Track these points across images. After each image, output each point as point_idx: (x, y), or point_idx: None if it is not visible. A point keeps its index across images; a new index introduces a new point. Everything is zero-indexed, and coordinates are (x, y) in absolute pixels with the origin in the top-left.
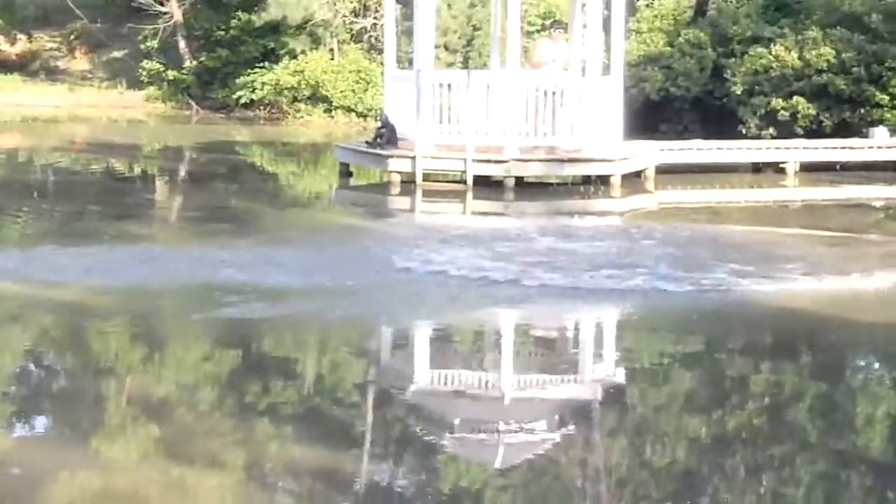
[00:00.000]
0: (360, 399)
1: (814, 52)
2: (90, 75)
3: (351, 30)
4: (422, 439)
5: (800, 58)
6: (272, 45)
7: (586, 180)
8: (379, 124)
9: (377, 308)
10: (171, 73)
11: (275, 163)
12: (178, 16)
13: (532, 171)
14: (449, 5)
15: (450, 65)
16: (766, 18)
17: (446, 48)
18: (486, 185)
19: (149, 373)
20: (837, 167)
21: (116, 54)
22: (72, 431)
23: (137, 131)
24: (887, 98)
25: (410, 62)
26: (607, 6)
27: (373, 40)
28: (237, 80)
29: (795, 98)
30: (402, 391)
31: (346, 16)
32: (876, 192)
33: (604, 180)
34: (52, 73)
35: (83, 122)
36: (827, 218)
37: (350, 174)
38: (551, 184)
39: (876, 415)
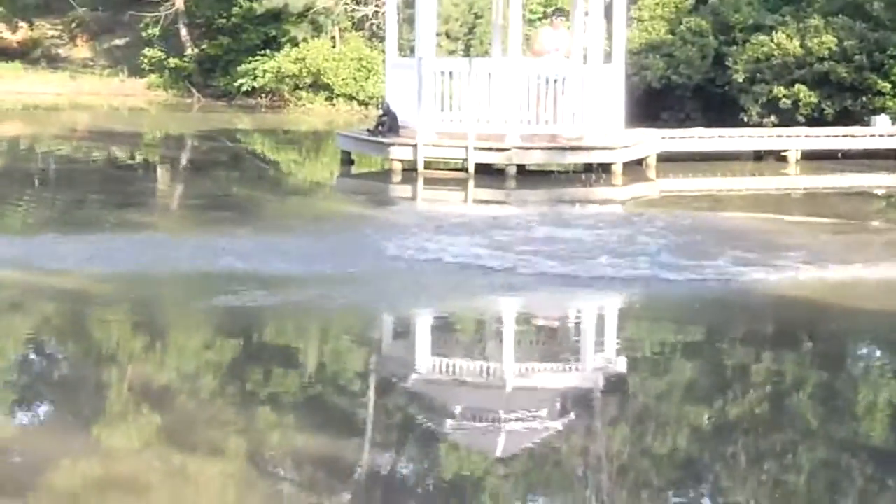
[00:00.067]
0: (357, 387)
1: (815, 40)
2: (91, 63)
3: (352, 17)
4: (423, 427)
5: (801, 46)
6: (273, 32)
7: (588, 168)
8: (380, 112)
9: (378, 296)
10: (172, 61)
11: (276, 150)
12: (179, 3)
13: (533, 159)
14: None
15: (451, 53)
16: (768, 6)
17: (448, 36)
18: (488, 173)
19: (150, 360)
20: (839, 155)
21: (118, 42)
22: (74, 418)
23: (139, 119)
24: (889, 86)
25: (412, 50)
26: None
27: (374, 28)
28: (238, 68)
29: (797, 86)
30: (400, 379)
31: (347, 3)
32: (877, 181)
33: (605, 168)
34: (54, 61)
35: (84, 110)
36: (829, 206)
37: (351, 162)
38: (553, 172)
39: (878, 403)
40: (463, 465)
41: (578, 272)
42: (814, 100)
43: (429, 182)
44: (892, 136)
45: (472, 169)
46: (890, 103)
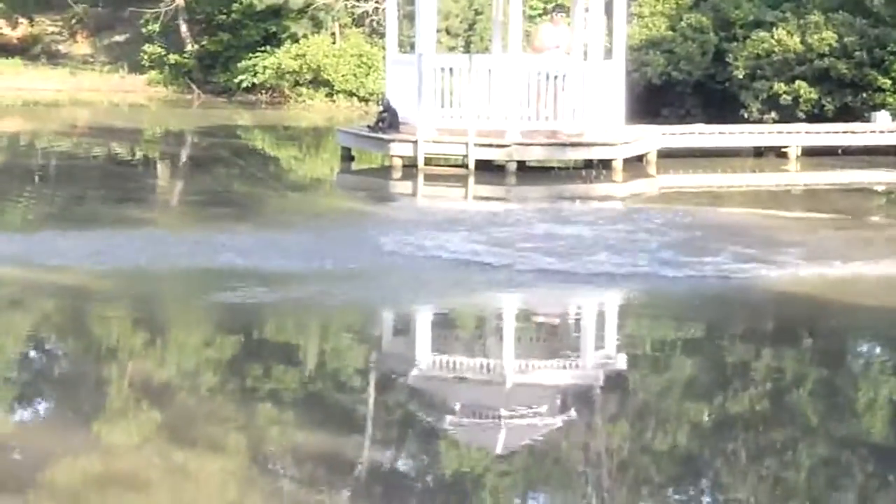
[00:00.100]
0: (354, 383)
1: (816, 37)
2: (92, 59)
3: (352, 14)
4: (422, 423)
5: (802, 42)
6: (274, 28)
7: (588, 164)
8: (381, 108)
9: (377, 292)
10: (172, 57)
11: (276, 147)
12: None
13: (534, 156)
14: None
15: (451, 49)
16: (769, 2)
17: (448, 32)
18: (488, 170)
19: (150, 357)
20: (839, 151)
21: (118, 38)
22: (74, 415)
23: (139, 115)
24: (889, 82)
25: (412, 46)
26: None
27: (374, 24)
28: (239, 64)
29: (797, 82)
30: (399, 376)
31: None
32: (878, 177)
33: (605, 164)
34: (54, 57)
35: (84, 107)
36: (829, 202)
37: (352, 158)
38: (553, 168)
39: (879, 399)
40: (463, 461)
41: (578, 269)
42: (814, 96)
43: (429, 178)
44: (892, 132)
45: (472, 165)
46: (890, 99)
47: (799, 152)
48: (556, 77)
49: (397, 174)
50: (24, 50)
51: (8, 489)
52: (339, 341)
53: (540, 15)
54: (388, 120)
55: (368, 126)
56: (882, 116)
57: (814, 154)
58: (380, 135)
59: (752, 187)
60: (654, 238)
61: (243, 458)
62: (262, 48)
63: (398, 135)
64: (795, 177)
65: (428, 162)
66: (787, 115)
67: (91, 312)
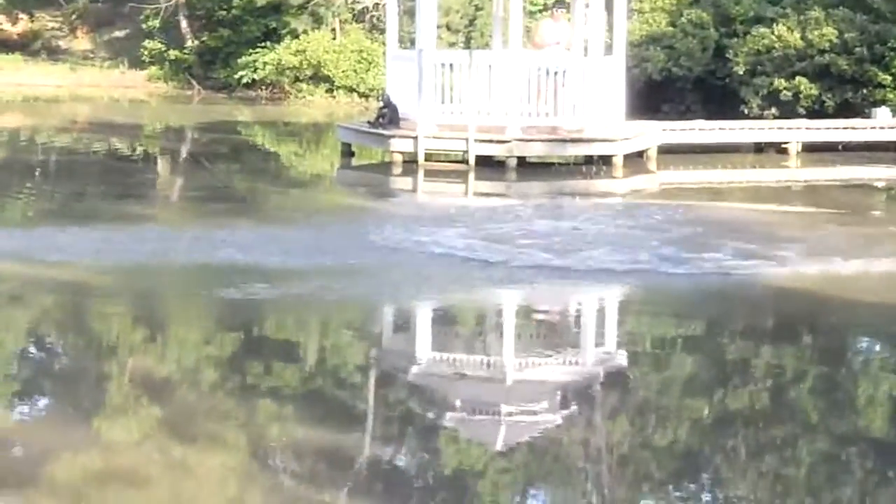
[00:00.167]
0: (352, 379)
1: (816, 33)
2: (92, 55)
3: (353, 9)
4: (422, 419)
5: (802, 38)
6: (274, 24)
7: (588, 160)
8: (381, 104)
9: (377, 289)
10: (172, 53)
11: (276, 143)
12: None
13: (534, 152)
14: None
15: (452, 45)
16: None
17: (448, 28)
18: (488, 166)
19: (150, 352)
20: (840, 147)
21: (118, 34)
22: (75, 410)
23: (139, 111)
24: (890, 78)
25: (412, 42)
26: None
27: (374, 20)
28: (239, 60)
29: (798, 78)
30: (397, 371)
31: None
32: (878, 173)
33: (606, 160)
34: (54, 53)
35: (85, 102)
36: (829, 198)
37: (352, 154)
38: (553, 164)
39: (879, 396)
40: (462, 457)
41: (578, 265)
42: (814, 92)
43: (429, 174)
44: (892, 128)
45: (472, 161)
46: (891, 95)
47: (799, 148)
48: (556, 73)
49: (397, 170)
50: (24, 45)
51: (8, 485)
52: (338, 337)
53: (540, 11)
54: (389, 116)
55: (368, 122)
56: (882, 112)
57: (814, 150)
58: (380, 130)
59: (752, 183)
60: (654, 234)
61: (244, 454)
62: (263, 44)
63: (398, 130)
64: (796, 173)
65: (428, 158)
66: (788, 111)
67: (91, 308)
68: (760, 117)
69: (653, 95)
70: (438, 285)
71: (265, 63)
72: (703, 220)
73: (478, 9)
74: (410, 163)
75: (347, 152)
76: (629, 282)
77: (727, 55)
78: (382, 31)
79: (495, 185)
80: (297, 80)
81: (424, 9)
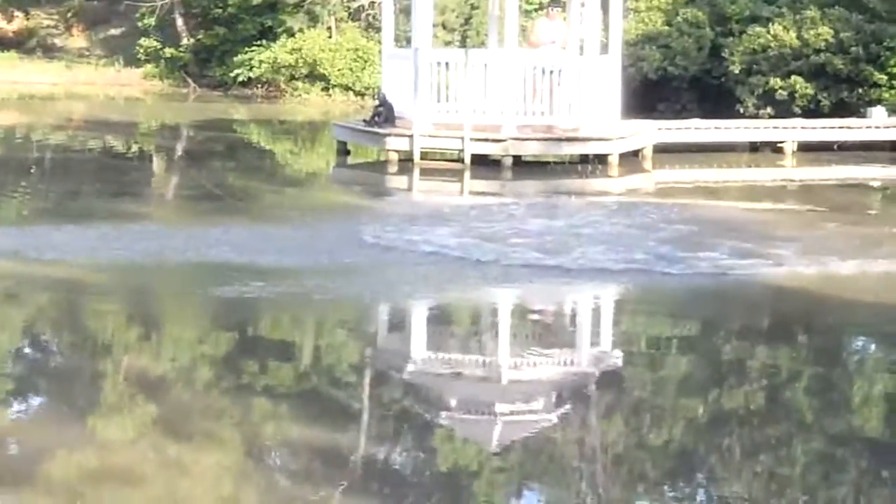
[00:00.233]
0: (346, 378)
1: (812, 32)
2: (87, 53)
3: (349, 8)
4: (417, 417)
5: (798, 37)
6: (269, 22)
7: (584, 159)
8: (377, 103)
9: (372, 288)
10: (168, 51)
11: (272, 141)
12: None
13: (530, 151)
14: None
15: (448, 43)
16: None
17: (444, 27)
18: (484, 164)
19: (144, 350)
20: (835, 147)
21: (114, 32)
22: (69, 408)
23: (135, 109)
24: (885, 78)
25: (408, 41)
26: None
27: (370, 18)
28: (234, 58)
29: (793, 77)
30: (391, 370)
31: None
32: (874, 173)
33: (601, 159)
34: (50, 51)
35: (80, 100)
36: (825, 198)
37: (348, 152)
38: (549, 163)
39: (874, 394)
40: (457, 456)
41: (574, 264)
42: (810, 91)
43: (425, 173)
44: (888, 127)
45: (468, 160)
46: (886, 95)
47: (795, 147)
48: (552, 72)
49: (393, 168)
50: (19, 43)
51: (2, 483)
52: (331, 336)
53: (536, 10)
54: (384, 114)
55: (364, 120)
56: (878, 112)
57: (809, 149)
58: (376, 129)
59: (747, 182)
60: (649, 233)
61: (238, 453)
62: (258, 42)
63: (394, 129)
64: (791, 172)
65: (424, 156)
66: (783, 110)
67: (86, 306)
68: (756, 116)
69: (648, 94)
70: (432, 284)
71: (261, 61)
72: (699, 220)
73: (474, 7)
74: (406, 161)
75: (343, 151)
76: (624, 281)
77: (723, 54)
78: (378, 30)
79: (491, 183)
80: (292, 78)
81: (420, 7)
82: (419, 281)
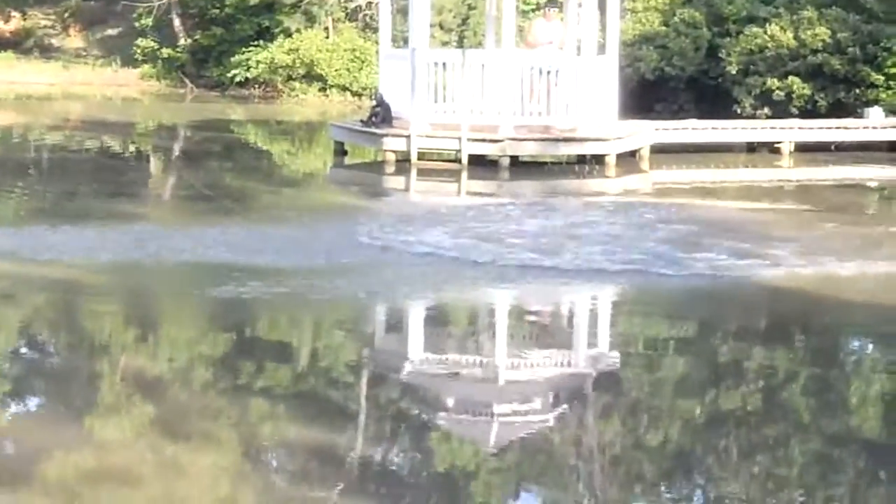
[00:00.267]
0: (342, 378)
1: (809, 32)
2: (84, 53)
3: (346, 8)
4: (412, 419)
5: (795, 38)
6: (267, 23)
7: (581, 160)
8: (374, 103)
9: (368, 288)
10: (165, 51)
11: (269, 141)
12: None
13: (527, 151)
14: None
15: (445, 44)
16: None
17: (441, 27)
18: (481, 165)
19: (140, 351)
20: (832, 147)
21: (111, 32)
22: (66, 408)
23: (132, 109)
24: (882, 78)
25: (405, 41)
26: None
27: (367, 19)
28: (232, 59)
29: (790, 78)
30: (385, 371)
31: None
32: (870, 173)
33: (598, 160)
34: (47, 51)
35: (77, 100)
36: (822, 198)
37: (345, 153)
38: (546, 163)
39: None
40: (455, 456)
41: (571, 264)
42: (807, 92)
43: (422, 173)
44: (885, 128)
45: (465, 160)
46: (883, 95)
47: (792, 148)
48: (549, 72)
49: (390, 169)
50: (16, 43)
51: (2, 482)
52: (330, 337)
53: (533, 10)
54: (382, 114)
55: (361, 121)
56: (875, 112)
57: (807, 150)
58: (373, 129)
59: (745, 183)
60: (646, 233)
61: (236, 453)
62: (255, 43)
63: (391, 129)
64: (788, 172)
65: (421, 156)
66: (780, 110)
67: (83, 307)
68: (753, 117)
69: (646, 95)
70: (429, 285)
71: (258, 61)
72: (696, 220)
73: (471, 8)
74: (403, 162)
75: (340, 151)
76: (621, 282)
77: (720, 55)
78: (375, 30)
79: (488, 184)
80: (289, 78)
81: (417, 8)
82: (416, 281)
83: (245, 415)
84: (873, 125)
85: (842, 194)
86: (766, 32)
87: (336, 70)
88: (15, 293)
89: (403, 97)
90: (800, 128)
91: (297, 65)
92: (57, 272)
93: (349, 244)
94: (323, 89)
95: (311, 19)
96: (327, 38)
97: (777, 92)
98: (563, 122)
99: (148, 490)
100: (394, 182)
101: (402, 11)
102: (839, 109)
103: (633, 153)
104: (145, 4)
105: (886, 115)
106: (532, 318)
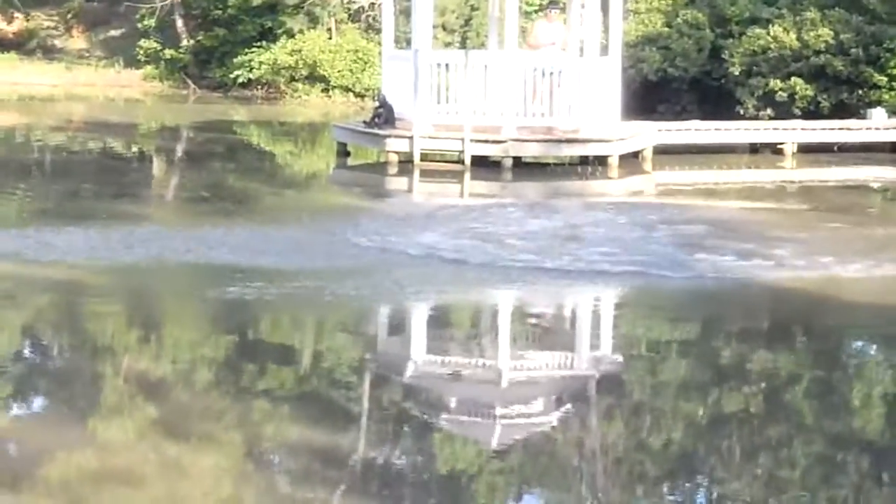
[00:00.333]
0: (342, 380)
1: (812, 33)
2: (87, 54)
3: (349, 9)
4: (414, 420)
5: (798, 39)
6: (269, 24)
7: (584, 161)
8: (377, 104)
9: (371, 290)
10: (168, 52)
11: (272, 142)
12: None
13: (530, 152)
14: None
15: (448, 45)
16: None
17: (444, 28)
18: (484, 166)
19: (143, 352)
20: (835, 148)
21: (114, 33)
22: (70, 410)
23: (134, 110)
24: (885, 79)
25: (408, 42)
26: None
27: (370, 20)
28: (234, 60)
29: (793, 79)
30: (387, 372)
31: None
32: (873, 174)
33: (601, 161)
34: (50, 52)
35: (80, 101)
36: (825, 199)
37: (348, 154)
38: (549, 164)
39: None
40: (457, 458)
41: (572, 266)
42: (810, 93)
43: (425, 174)
44: (888, 129)
45: (468, 161)
46: (886, 96)
47: (795, 149)
48: (552, 73)
49: (393, 170)
50: (19, 44)
51: (4, 483)
52: (332, 338)
53: (536, 11)
54: (384, 115)
55: (364, 122)
56: (878, 113)
57: (809, 151)
58: (376, 130)
59: (747, 184)
60: (649, 235)
61: (238, 455)
62: (258, 43)
63: (394, 130)
64: (791, 174)
65: (424, 158)
66: (783, 111)
67: (86, 308)
68: (756, 118)
69: (648, 96)
70: (431, 286)
71: (261, 62)
72: (699, 221)
73: (474, 9)
74: (406, 163)
75: (343, 152)
76: (624, 283)
77: (723, 56)
78: (378, 31)
79: (491, 185)
80: (292, 79)
81: (420, 9)
82: (418, 283)
83: (247, 416)
84: (876, 126)
85: (845, 195)
86: (769, 33)
87: (339, 71)
88: (18, 294)
89: (406, 98)
90: (802, 129)
91: (300, 66)
92: (60, 273)
93: (351, 246)
94: (326, 90)
95: (313, 20)
96: (330, 39)
97: (780, 93)
98: (566, 124)
99: (151, 491)
100: (397, 183)
101: (404, 12)
102: (842, 110)
103: (635, 154)
104: (148, 5)
105: (889, 116)
106: (534, 319)
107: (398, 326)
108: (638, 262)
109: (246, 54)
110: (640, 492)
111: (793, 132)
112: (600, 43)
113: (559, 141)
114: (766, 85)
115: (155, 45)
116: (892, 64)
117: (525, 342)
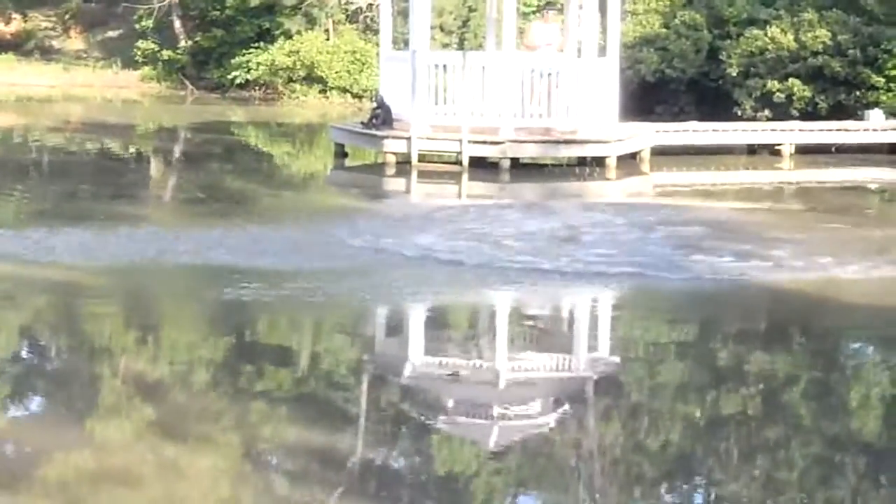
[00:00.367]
0: (339, 381)
1: (809, 34)
2: (85, 55)
3: (346, 10)
4: (411, 420)
5: (795, 40)
6: (267, 25)
7: (581, 162)
8: (374, 105)
9: (368, 290)
10: (166, 53)
11: (270, 143)
12: None
13: (527, 153)
14: None
15: (445, 46)
16: (762, 0)
17: (442, 29)
18: (482, 167)
19: (140, 353)
20: (833, 149)
21: (111, 34)
22: (67, 410)
23: (132, 111)
24: (883, 80)
25: (406, 43)
26: None
27: (368, 21)
28: (232, 61)
29: (791, 80)
30: (383, 373)
31: None
32: (871, 175)
33: (599, 162)
34: (47, 53)
35: (78, 102)
36: (823, 200)
37: (345, 155)
38: (546, 165)
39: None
40: (455, 459)
41: (570, 267)
42: (807, 94)
43: (422, 175)
44: (885, 130)
45: (465, 162)
46: (883, 97)
47: (792, 150)
48: (549, 74)
49: (391, 171)
50: (17, 45)
51: (2, 484)
52: (329, 340)
53: (534, 12)
54: (382, 116)
55: (362, 123)
56: (875, 114)
57: (807, 152)
58: (373, 131)
59: (745, 185)
60: (647, 236)
61: (236, 456)
62: (256, 44)
63: (392, 131)
64: (789, 175)
65: (421, 158)
66: (781, 112)
67: (83, 309)
68: (754, 119)
69: (646, 97)
70: (428, 287)
71: (258, 63)
72: (697, 222)
73: (471, 10)
74: (404, 164)
75: (341, 153)
76: (621, 284)
77: (720, 57)
78: (376, 32)
79: (488, 186)
80: (290, 80)
81: (418, 10)
82: (415, 284)
83: (245, 417)
84: (874, 127)
85: (842, 196)
86: (766, 34)
87: (336, 72)
88: (16, 295)
89: (404, 99)
90: (800, 130)
91: (298, 67)
92: (58, 274)
93: (349, 247)
94: (323, 91)
95: (311, 21)
96: (328, 40)
97: (777, 94)
98: (564, 125)
99: (148, 492)
100: (394, 184)
101: (402, 13)
102: (839, 111)
103: (633, 155)
104: (146, 6)
105: (887, 118)
106: (531, 320)
107: (395, 327)
108: (635, 264)
109: (244, 55)
110: (637, 493)
111: (790, 133)
112: (598, 44)
113: (557, 142)
114: (764, 86)
115: (153, 45)
116: (889, 65)
117: (522, 343)
